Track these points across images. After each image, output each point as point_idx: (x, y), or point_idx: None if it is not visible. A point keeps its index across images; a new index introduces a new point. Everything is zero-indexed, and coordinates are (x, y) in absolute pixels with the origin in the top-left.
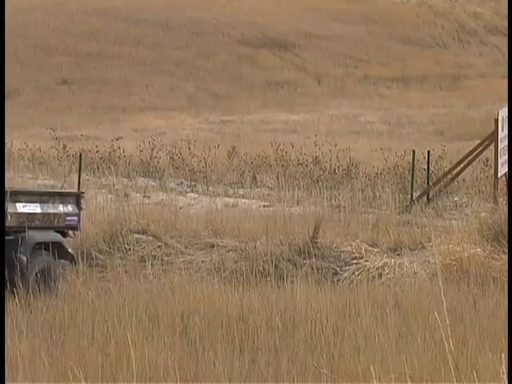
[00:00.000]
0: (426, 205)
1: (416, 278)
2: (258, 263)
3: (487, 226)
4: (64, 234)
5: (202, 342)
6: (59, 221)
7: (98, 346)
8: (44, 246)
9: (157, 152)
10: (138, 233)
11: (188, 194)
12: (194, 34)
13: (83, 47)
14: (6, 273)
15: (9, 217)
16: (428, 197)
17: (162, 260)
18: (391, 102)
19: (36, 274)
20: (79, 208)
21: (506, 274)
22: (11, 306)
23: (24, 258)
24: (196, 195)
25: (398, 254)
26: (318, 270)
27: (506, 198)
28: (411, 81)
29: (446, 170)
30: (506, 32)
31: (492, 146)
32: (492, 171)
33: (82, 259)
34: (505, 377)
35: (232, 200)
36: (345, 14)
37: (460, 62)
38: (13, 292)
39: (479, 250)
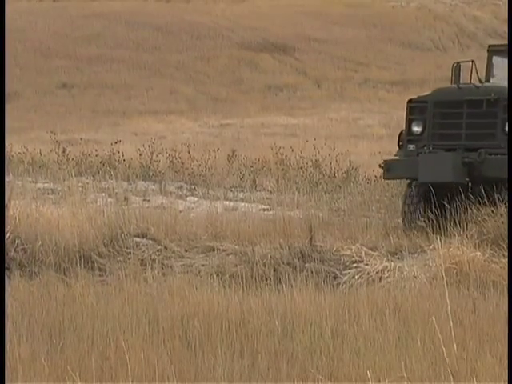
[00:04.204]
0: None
1: (416, 282)
2: (257, 267)
3: (487, 229)
4: None
5: (202, 345)
6: None
7: (97, 350)
8: None
9: (156, 156)
10: (138, 236)
11: (188, 198)
12: (193, 38)
13: (83, 51)
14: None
15: None
16: None
17: (161, 263)
18: (391, 106)
19: None
20: None
21: (506, 278)
22: (11, 309)
23: None
24: (196, 199)
25: (398, 258)
26: (317, 273)
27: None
28: (411, 84)
29: None
30: (506, 36)
31: None
32: None
33: (82, 263)
34: None
35: (232, 203)
36: (344, 17)
37: None
38: None
39: (479, 253)
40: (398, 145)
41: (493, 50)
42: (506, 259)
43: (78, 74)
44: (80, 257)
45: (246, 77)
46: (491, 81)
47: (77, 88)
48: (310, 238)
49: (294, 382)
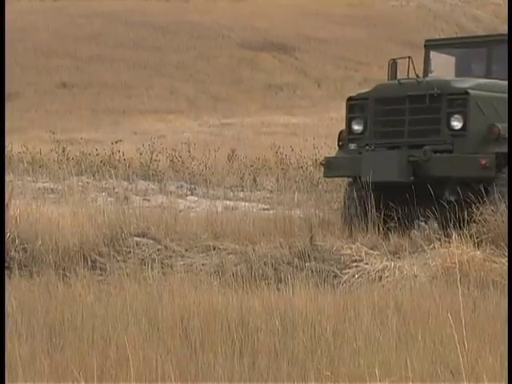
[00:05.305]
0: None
1: (416, 281)
2: (257, 266)
3: (487, 228)
4: None
5: (202, 344)
6: None
7: (97, 349)
8: None
9: (157, 155)
10: (138, 236)
11: (188, 197)
12: (193, 37)
13: (83, 50)
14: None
15: None
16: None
17: (161, 263)
18: None
19: None
20: None
21: (506, 277)
22: (11, 309)
23: None
24: (196, 198)
25: (398, 257)
26: (317, 272)
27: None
28: None
29: None
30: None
31: None
32: None
33: (82, 262)
34: None
35: (232, 203)
36: (345, 17)
37: None
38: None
39: (478, 252)
40: (338, 144)
41: (430, 45)
42: (506, 258)
43: (78, 73)
44: (80, 256)
45: (246, 76)
46: (429, 76)
47: (77, 87)
48: (311, 238)
49: (294, 381)
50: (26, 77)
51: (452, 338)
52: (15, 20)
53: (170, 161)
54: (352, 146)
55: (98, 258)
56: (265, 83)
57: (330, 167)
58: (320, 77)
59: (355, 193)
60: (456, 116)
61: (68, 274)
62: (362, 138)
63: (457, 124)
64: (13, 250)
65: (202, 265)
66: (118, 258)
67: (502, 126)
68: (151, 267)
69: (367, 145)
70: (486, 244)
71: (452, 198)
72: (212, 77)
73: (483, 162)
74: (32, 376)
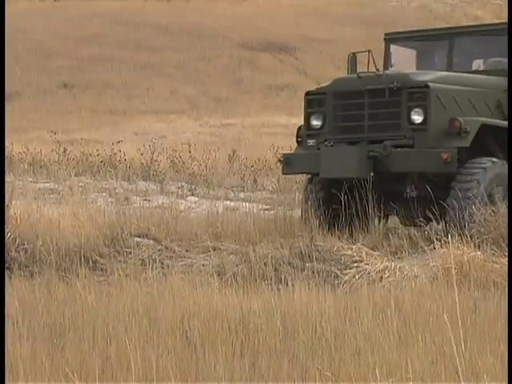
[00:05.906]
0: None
1: (416, 282)
2: (258, 266)
3: (487, 229)
4: None
5: (203, 345)
6: None
7: (98, 350)
8: None
9: (157, 155)
10: (139, 236)
11: (188, 198)
12: (194, 38)
13: (84, 51)
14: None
15: None
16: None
17: (162, 263)
18: None
19: None
20: None
21: (507, 277)
22: (12, 309)
23: None
24: (196, 199)
25: (399, 258)
26: (318, 273)
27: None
28: None
29: None
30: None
31: None
32: None
33: (83, 262)
34: None
35: (232, 203)
36: (345, 17)
37: None
38: None
39: (479, 253)
40: (297, 141)
41: (390, 39)
42: (507, 259)
43: (79, 73)
44: (81, 257)
45: (247, 76)
46: (389, 70)
47: (77, 88)
48: (311, 238)
49: (294, 381)
50: (27, 77)
51: (453, 339)
52: (16, 20)
53: (171, 161)
54: (311, 141)
55: (98, 258)
56: (265, 83)
57: (289, 164)
58: (320, 77)
59: (314, 189)
60: (416, 110)
61: (68, 275)
62: (321, 134)
63: (417, 118)
64: (13, 251)
65: (203, 265)
66: (119, 258)
67: (464, 120)
68: (152, 268)
69: (326, 140)
70: (486, 244)
71: (413, 194)
72: (212, 77)
73: (444, 156)
74: (33, 376)
